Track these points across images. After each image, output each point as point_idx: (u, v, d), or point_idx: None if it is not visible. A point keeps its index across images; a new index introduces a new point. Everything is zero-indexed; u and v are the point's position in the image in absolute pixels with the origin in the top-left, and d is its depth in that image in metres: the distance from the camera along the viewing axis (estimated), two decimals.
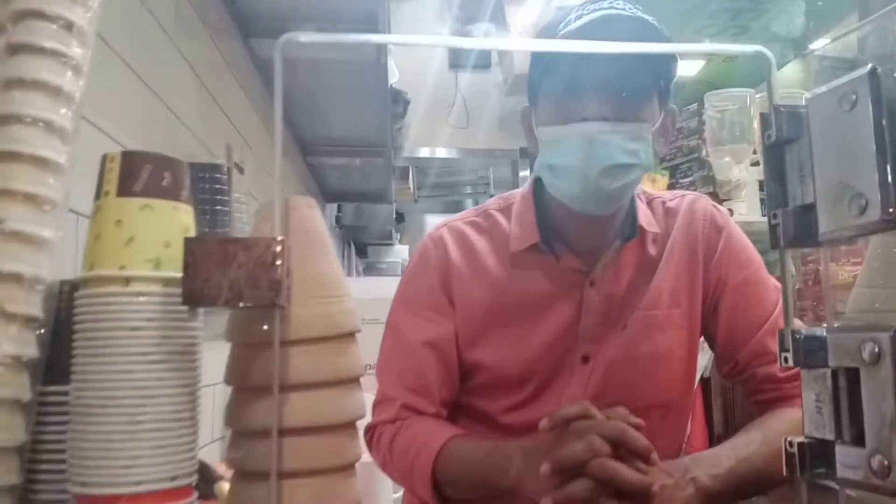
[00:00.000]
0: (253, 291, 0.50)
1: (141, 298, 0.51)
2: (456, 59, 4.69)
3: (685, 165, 3.15)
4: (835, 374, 0.54)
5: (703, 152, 3.03)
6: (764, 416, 0.99)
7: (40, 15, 0.57)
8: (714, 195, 2.91)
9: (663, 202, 1.09)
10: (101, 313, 0.51)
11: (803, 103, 0.55)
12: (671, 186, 3.09)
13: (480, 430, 1.05)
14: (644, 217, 1.04)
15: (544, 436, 0.84)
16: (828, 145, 0.54)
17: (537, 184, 1.05)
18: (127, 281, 0.51)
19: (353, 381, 0.57)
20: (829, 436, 0.53)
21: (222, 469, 1.09)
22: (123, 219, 0.52)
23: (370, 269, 5.21)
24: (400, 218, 5.24)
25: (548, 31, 0.97)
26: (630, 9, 0.91)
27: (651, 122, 0.93)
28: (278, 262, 0.50)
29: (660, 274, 1.03)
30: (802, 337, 0.55)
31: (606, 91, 0.90)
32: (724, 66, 3.67)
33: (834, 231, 0.54)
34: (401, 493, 1.72)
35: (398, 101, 3.47)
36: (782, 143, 0.58)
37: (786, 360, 0.56)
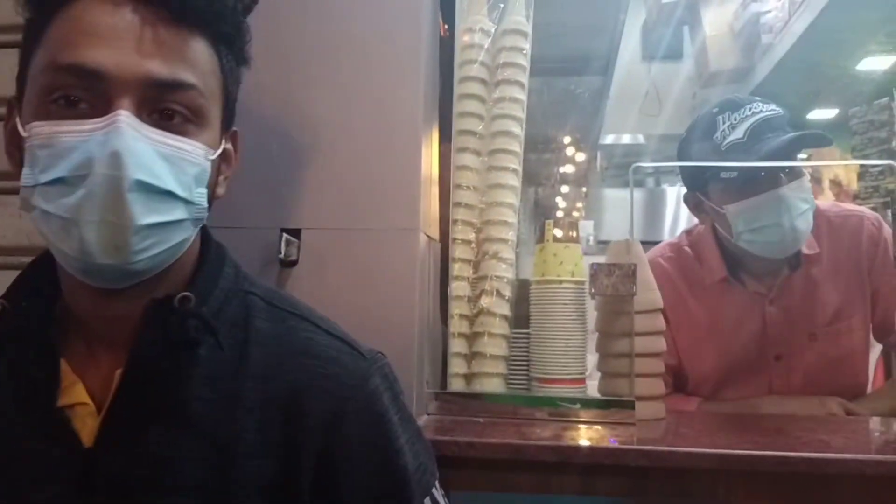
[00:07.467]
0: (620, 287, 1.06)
1: (566, 287, 1.09)
2: (648, 50, 4.98)
3: (875, 157, 3.37)
4: None
5: (894, 143, 3.25)
6: None
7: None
8: None
9: (828, 219, 1.33)
10: (550, 297, 1.10)
11: None
12: (861, 176, 3.33)
13: None
14: (808, 243, 1.29)
15: None
16: None
17: (714, 229, 1.34)
18: (560, 282, 1.09)
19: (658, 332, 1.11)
20: None
21: None
22: (557, 253, 1.10)
23: None
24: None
25: (701, 133, 1.26)
26: (772, 108, 1.21)
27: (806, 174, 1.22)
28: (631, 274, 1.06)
29: (829, 289, 1.30)
30: None
31: (780, 169, 1.19)
32: None
33: None
34: None
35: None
36: None
37: None
